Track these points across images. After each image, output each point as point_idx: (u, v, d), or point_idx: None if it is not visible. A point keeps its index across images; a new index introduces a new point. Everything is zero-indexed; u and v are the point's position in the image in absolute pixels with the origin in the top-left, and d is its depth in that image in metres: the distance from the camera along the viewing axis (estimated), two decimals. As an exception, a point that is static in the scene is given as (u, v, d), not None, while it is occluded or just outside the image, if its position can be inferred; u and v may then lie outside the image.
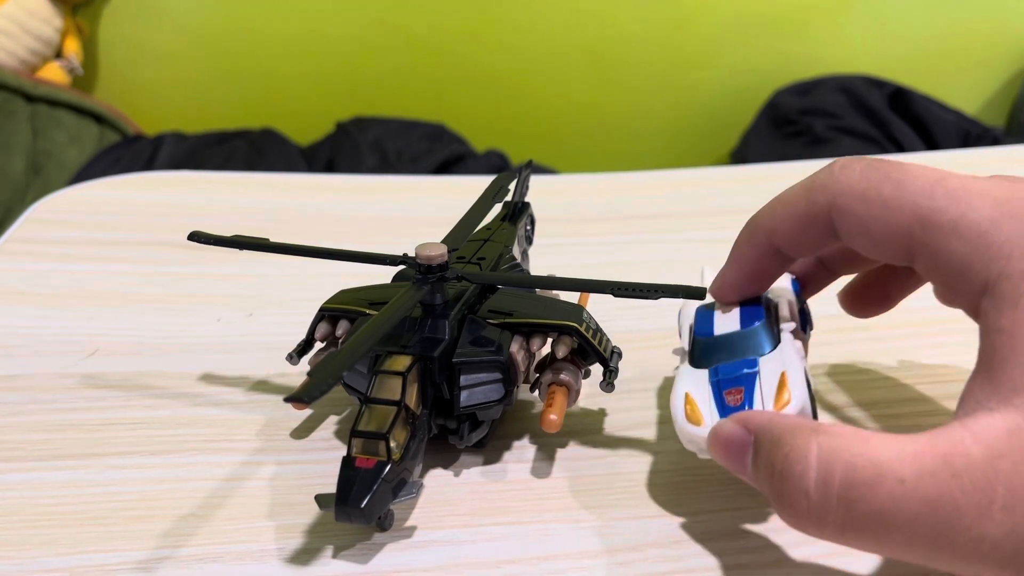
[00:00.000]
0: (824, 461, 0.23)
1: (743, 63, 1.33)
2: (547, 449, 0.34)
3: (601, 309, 0.36)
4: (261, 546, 0.30)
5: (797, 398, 0.28)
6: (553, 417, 0.31)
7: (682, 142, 1.40)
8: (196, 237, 0.36)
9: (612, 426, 0.36)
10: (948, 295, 0.27)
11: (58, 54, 1.29)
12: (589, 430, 0.35)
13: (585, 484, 0.32)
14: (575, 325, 0.32)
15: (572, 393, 0.33)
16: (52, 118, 1.20)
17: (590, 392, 0.35)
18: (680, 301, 0.33)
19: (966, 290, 0.25)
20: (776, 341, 0.30)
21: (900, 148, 1.10)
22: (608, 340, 0.34)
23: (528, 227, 0.42)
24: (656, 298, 0.31)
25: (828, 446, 0.23)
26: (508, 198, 0.42)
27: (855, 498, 0.23)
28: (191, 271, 0.48)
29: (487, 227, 0.40)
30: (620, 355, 0.34)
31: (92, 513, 0.31)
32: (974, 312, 0.25)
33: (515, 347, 0.32)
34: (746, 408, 0.28)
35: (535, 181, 0.46)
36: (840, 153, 1.07)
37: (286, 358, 0.35)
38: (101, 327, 0.43)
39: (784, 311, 0.32)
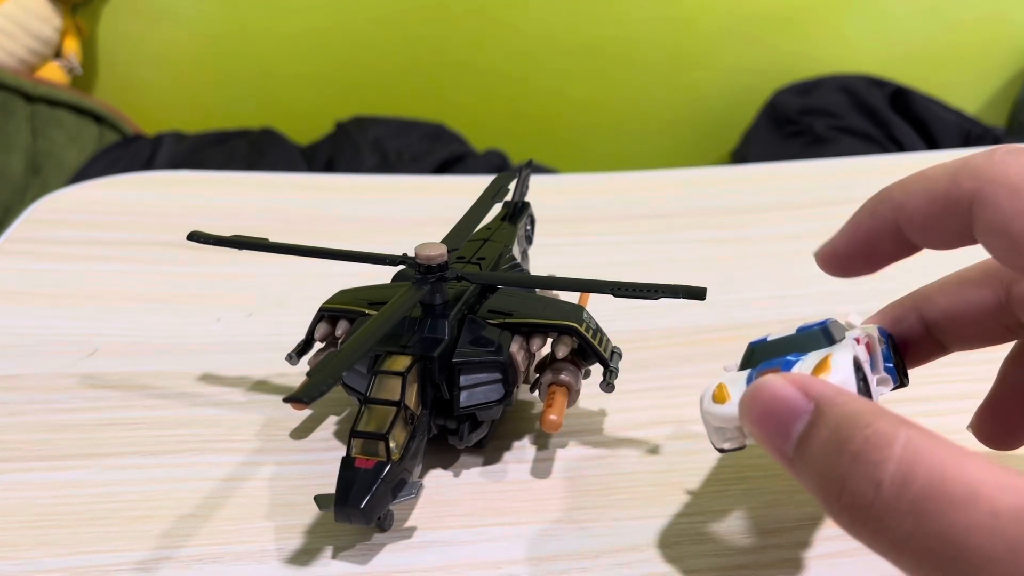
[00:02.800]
0: (909, 456, 0.19)
1: (743, 63, 1.33)
2: (547, 449, 0.34)
3: (601, 309, 0.36)
4: (261, 546, 0.30)
5: (840, 371, 0.24)
6: (553, 417, 0.31)
7: (682, 142, 1.40)
8: (196, 237, 0.36)
9: (612, 426, 0.36)
10: None
11: (57, 54, 1.29)
12: (589, 430, 0.35)
13: (585, 484, 0.32)
14: (575, 325, 0.32)
15: (572, 393, 0.33)
16: (51, 118, 1.20)
17: (590, 392, 0.34)
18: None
19: None
20: (832, 342, 0.27)
21: (901, 148, 1.10)
22: (608, 340, 0.34)
23: (528, 227, 0.42)
24: (656, 298, 0.31)
25: (918, 442, 0.20)
26: (508, 198, 0.42)
27: (932, 512, 0.19)
28: (191, 271, 0.48)
29: (487, 227, 0.40)
30: (620, 355, 0.34)
31: (92, 513, 0.31)
32: None
33: (515, 347, 0.32)
34: None
35: (535, 181, 0.46)
36: (840, 153, 1.07)
37: (286, 358, 0.35)
38: (101, 327, 0.43)
39: (855, 333, 0.28)
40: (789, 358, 0.26)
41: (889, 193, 0.27)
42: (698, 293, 0.30)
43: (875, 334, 0.29)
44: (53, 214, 0.55)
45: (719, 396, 0.27)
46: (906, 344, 0.30)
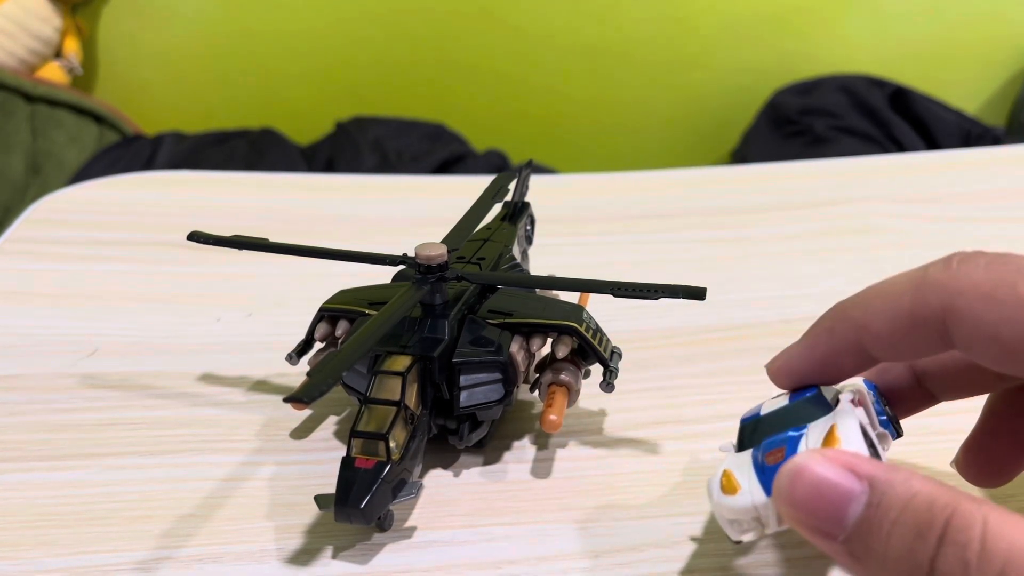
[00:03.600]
0: (992, 535, 0.19)
1: (743, 63, 1.33)
2: (547, 449, 0.34)
3: (601, 309, 0.36)
4: (261, 546, 0.30)
5: (850, 443, 0.23)
6: (553, 417, 0.31)
7: (682, 142, 1.40)
8: (196, 237, 0.36)
9: (612, 426, 0.36)
10: None
11: (57, 54, 1.29)
12: (589, 430, 0.35)
13: (585, 484, 0.32)
14: (575, 325, 0.32)
15: (572, 393, 0.33)
16: (51, 118, 1.20)
17: (590, 392, 0.34)
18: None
19: None
20: (829, 408, 0.26)
21: (901, 148, 1.10)
22: (608, 340, 0.34)
23: (528, 227, 0.42)
24: (656, 298, 0.31)
25: (996, 519, 0.20)
26: (508, 198, 0.42)
27: None
28: (191, 271, 0.48)
29: (487, 227, 0.40)
30: (620, 355, 0.34)
31: (92, 513, 0.31)
32: None
33: (515, 347, 0.32)
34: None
35: (535, 181, 0.46)
36: (840, 153, 1.07)
37: (286, 358, 0.35)
38: (101, 327, 0.43)
39: (845, 398, 0.26)
40: (791, 433, 0.25)
41: (847, 312, 0.26)
42: (698, 293, 0.30)
43: (864, 388, 0.28)
44: (53, 214, 0.55)
45: (728, 487, 0.25)
46: (894, 394, 0.29)
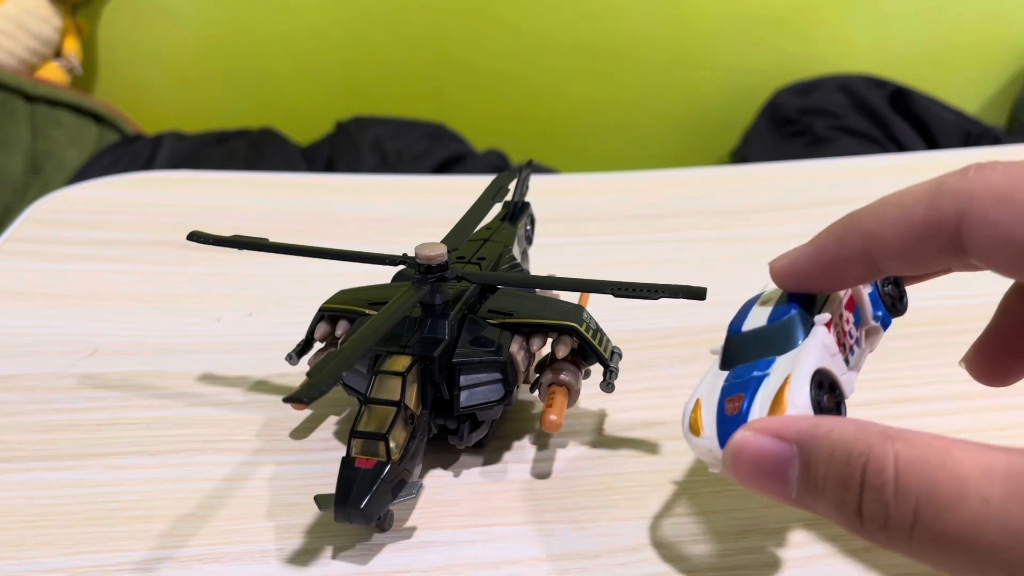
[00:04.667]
0: (903, 472, 0.20)
1: (743, 63, 1.33)
2: (547, 449, 0.34)
3: (601, 309, 0.36)
4: (261, 546, 0.30)
5: (795, 407, 0.24)
6: (553, 417, 0.31)
7: (682, 142, 1.40)
8: (196, 237, 0.36)
9: (612, 426, 0.36)
10: None
11: (57, 54, 1.29)
12: (589, 430, 0.35)
13: (585, 484, 0.32)
14: (575, 325, 0.32)
15: (572, 393, 0.33)
16: (51, 118, 1.20)
17: (590, 392, 0.35)
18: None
19: None
20: (805, 334, 0.26)
21: (901, 148, 1.10)
22: (608, 340, 0.34)
23: (528, 227, 0.42)
24: (656, 298, 0.31)
25: (906, 456, 0.21)
26: (508, 198, 0.42)
27: (932, 516, 0.20)
28: (191, 271, 0.48)
29: (487, 227, 0.40)
30: (620, 355, 0.34)
31: (92, 513, 0.31)
32: None
33: (515, 347, 0.32)
34: (742, 418, 0.25)
35: (535, 181, 0.46)
36: (840, 153, 1.07)
37: (286, 358, 0.35)
38: (101, 327, 0.43)
39: (835, 298, 0.27)
40: (756, 374, 0.26)
41: (859, 221, 0.26)
42: (698, 293, 0.30)
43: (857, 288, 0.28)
44: (53, 214, 0.55)
45: (694, 425, 0.26)
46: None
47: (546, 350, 0.33)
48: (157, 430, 0.36)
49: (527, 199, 0.43)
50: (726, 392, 0.26)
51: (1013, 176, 0.23)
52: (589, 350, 0.33)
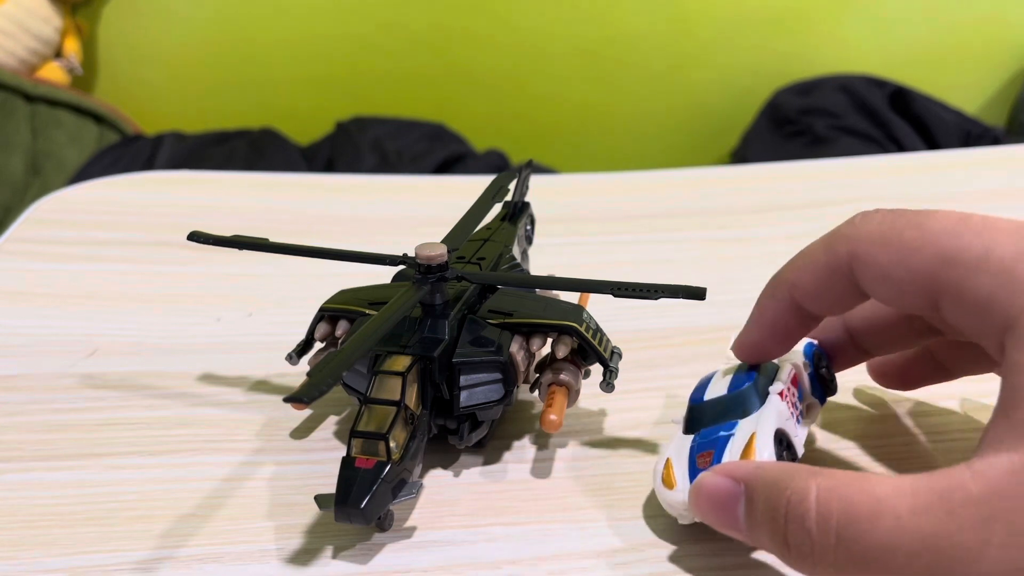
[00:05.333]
0: (822, 499, 0.23)
1: (743, 63, 1.33)
2: (547, 449, 0.34)
3: (601, 309, 0.36)
4: (261, 546, 0.30)
5: (763, 452, 0.28)
6: (553, 417, 0.31)
7: (682, 142, 1.40)
8: (196, 237, 0.36)
9: (612, 426, 0.36)
10: (972, 337, 0.27)
11: (57, 54, 1.29)
12: (589, 430, 0.35)
13: (585, 484, 0.32)
14: (575, 325, 0.32)
15: (572, 393, 0.33)
16: (51, 118, 1.20)
17: (590, 392, 0.34)
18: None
19: (990, 327, 0.25)
20: (762, 401, 0.30)
21: (901, 148, 1.10)
22: (608, 340, 0.34)
23: (528, 227, 0.42)
24: (656, 298, 0.31)
25: (826, 486, 0.23)
26: (508, 198, 0.42)
27: (853, 535, 0.23)
28: (191, 271, 0.48)
29: (487, 227, 0.40)
30: (620, 355, 0.34)
31: (92, 513, 0.31)
32: (998, 351, 0.25)
33: (515, 347, 0.32)
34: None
35: (535, 181, 0.46)
36: (840, 153, 1.07)
37: (286, 358, 0.35)
38: (101, 327, 0.43)
39: (783, 374, 0.31)
40: (721, 433, 0.29)
41: (781, 275, 0.30)
42: (698, 293, 0.30)
43: (800, 361, 0.32)
44: (53, 214, 0.55)
45: (667, 479, 0.29)
46: (834, 351, 0.34)
47: (546, 350, 0.33)
48: (157, 430, 0.36)
49: (527, 199, 0.43)
50: (696, 450, 0.29)
51: (891, 223, 0.27)
52: (589, 350, 0.33)
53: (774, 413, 0.29)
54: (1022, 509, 0.21)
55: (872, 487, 0.23)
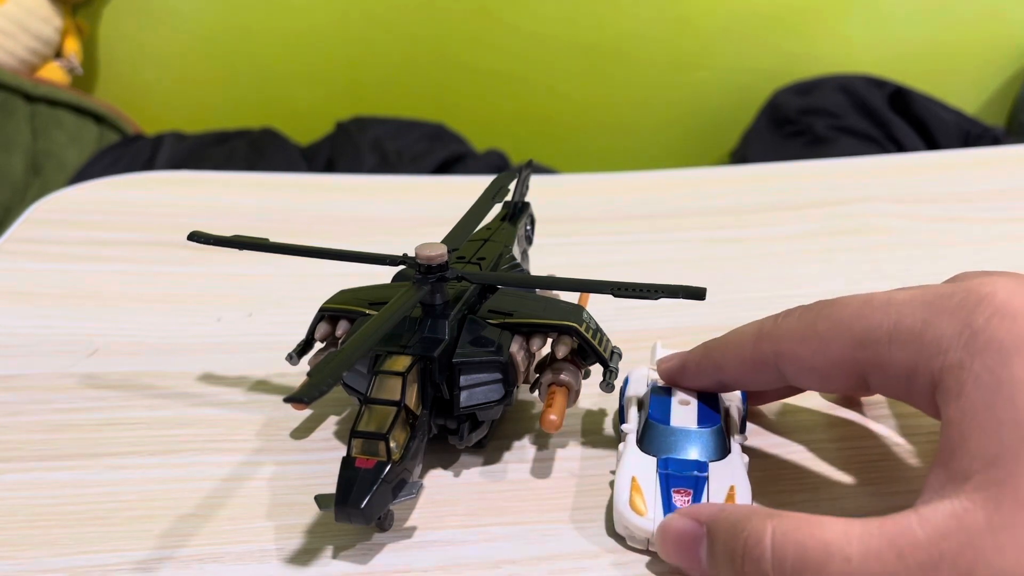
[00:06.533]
0: (778, 542, 0.24)
1: (743, 62, 1.33)
2: (547, 449, 0.34)
3: (601, 309, 0.36)
4: (261, 546, 0.30)
5: (742, 497, 0.29)
6: (553, 417, 0.31)
7: (682, 142, 1.40)
8: (196, 237, 0.36)
9: (612, 426, 0.36)
10: (909, 402, 0.28)
11: (58, 54, 1.29)
12: (589, 430, 0.35)
13: (585, 484, 0.32)
14: (575, 325, 0.32)
15: (572, 393, 0.33)
16: (52, 118, 1.20)
17: (590, 392, 0.35)
18: (623, 373, 0.34)
19: (920, 392, 0.26)
20: (726, 450, 0.31)
21: (900, 148, 1.10)
22: (608, 340, 0.34)
23: (528, 227, 0.42)
24: (656, 298, 0.31)
25: (781, 528, 0.24)
26: (508, 198, 0.42)
27: None
28: (191, 271, 0.48)
29: (487, 227, 0.40)
30: (620, 355, 0.34)
31: (92, 513, 0.31)
32: (930, 409, 0.27)
33: (515, 347, 0.32)
34: None
35: (535, 181, 0.46)
36: (840, 153, 1.07)
37: (286, 358, 0.35)
38: (101, 327, 0.43)
39: (735, 418, 0.33)
40: (696, 473, 0.30)
41: (710, 354, 0.32)
42: (698, 293, 0.30)
43: (740, 404, 0.34)
44: (53, 214, 0.55)
45: (635, 504, 0.29)
46: (765, 393, 0.35)
47: (546, 350, 0.33)
48: (157, 430, 0.36)
49: (527, 199, 0.43)
50: (670, 482, 0.30)
51: (804, 319, 0.29)
52: (589, 350, 0.33)
53: (743, 467, 0.31)
54: (965, 549, 0.22)
55: (823, 531, 0.24)
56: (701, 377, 0.33)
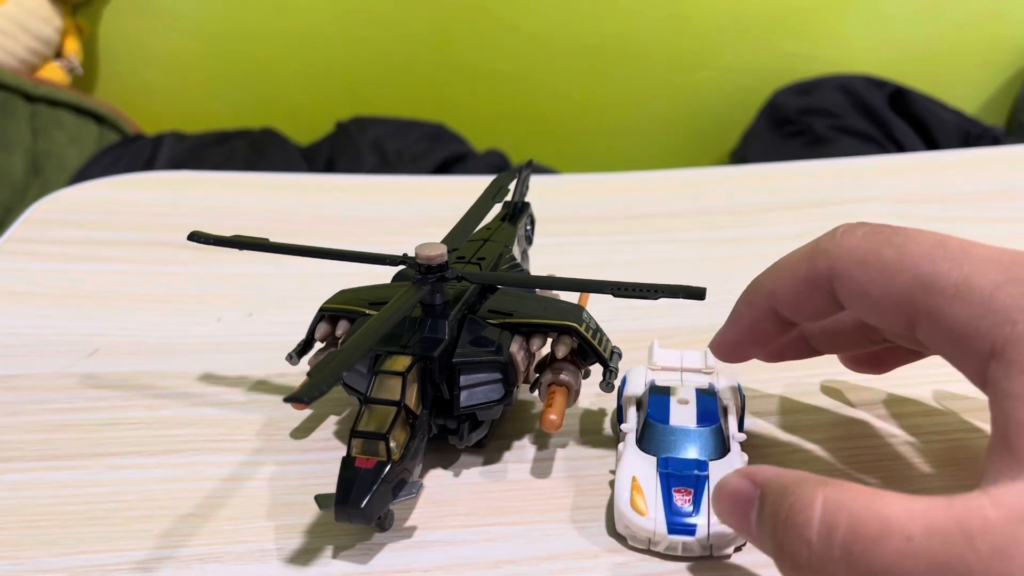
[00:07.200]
0: (829, 511, 0.22)
1: (743, 62, 1.33)
2: (547, 449, 0.34)
3: (601, 309, 0.36)
4: (261, 546, 0.30)
5: None
6: (553, 417, 0.31)
7: (682, 142, 1.40)
8: (196, 237, 0.36)
9: (612, 426, 0.36)
10: (953, 363, 0.26)
11: (58, 54, 1.29)
12: (589, 430, 0.35)
13: (585, 484, 0.32)
14: (575, 325, 0.32)
15: (572, 393, 0.33)
16: (52, 118, 1.20)
17: (590, 392, 0.34)
18: (623, 370, 0.34)
19: (971, 356, 0.25)
20: (725, 449, 0.31)
21: (900, 148, 1.10)
22: (608, 340, 0.34)
23: (528, 227, 0.42)
24: (656, 298, 0.31)
25: (834, 497, 0.23)
26: (508, 198, 0.42)
27: (858, 552, 0.22)
28: (191, 271, 0.48)
29: (487, 227, 0.40)
30: (620, 355, 0.34)
31: (92, 513, 0.31)
32: (980, 379, 0.25)
33: (515, 347, 0.32)
34: (693, 512, 0.29)
35: (535, 181, 0.46)
36: (840, 153, 1.07)
37: (286, 358, 0.35)
38: (101, 327, 0.43)
39: (731, 417, 0.33)
40: (697, 473, 0.30)
41: (761, 284, 0.31)
42: (698, 293, 0.30)
43: (738, 402, 0.34)
44: (53, 214, 0.55)
45: (635, 504, 0.29)
46: (783, 346, 0.34)
47: (546, 350, 0.33)
48: (157, 430, 0.36)
49: (527, 199, 0.43)
50: (671, 482, 0.30)
51: (868, 240, 0.27)
52: (589, 350, 0.33)
53: (741, 464, 0.31)
54: None
55: (883, 505, 0.22)
56: (753, 312, 0.31)
